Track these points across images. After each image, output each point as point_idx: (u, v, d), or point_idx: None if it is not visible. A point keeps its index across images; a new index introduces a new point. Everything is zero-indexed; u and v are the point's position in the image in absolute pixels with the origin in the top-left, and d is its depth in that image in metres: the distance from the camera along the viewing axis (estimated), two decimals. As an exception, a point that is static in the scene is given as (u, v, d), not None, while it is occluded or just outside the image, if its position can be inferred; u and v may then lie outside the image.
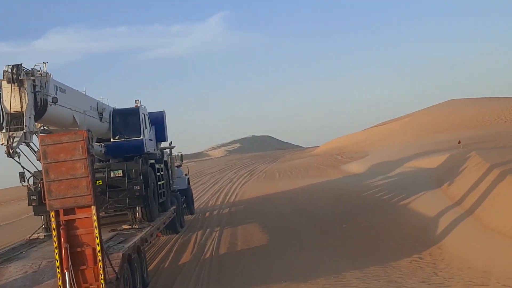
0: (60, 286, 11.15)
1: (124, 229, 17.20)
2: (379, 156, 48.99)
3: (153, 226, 17.80)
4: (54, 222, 11.19)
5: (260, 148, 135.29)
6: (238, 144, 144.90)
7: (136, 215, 18.21)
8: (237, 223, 25.21)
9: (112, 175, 17.71)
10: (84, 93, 16.92)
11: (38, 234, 17.49)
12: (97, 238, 11.23)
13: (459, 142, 36.50)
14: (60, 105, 14.25)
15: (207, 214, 29.57)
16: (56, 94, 13.98)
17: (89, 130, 11.54)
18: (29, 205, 17.49)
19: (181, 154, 27.96)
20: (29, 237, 17.40)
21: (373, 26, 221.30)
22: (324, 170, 50.30)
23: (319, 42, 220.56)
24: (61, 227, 11.19)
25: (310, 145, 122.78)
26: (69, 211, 11.26)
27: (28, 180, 15.74)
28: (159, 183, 20.52)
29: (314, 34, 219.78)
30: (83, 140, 11.13)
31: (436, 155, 34.63)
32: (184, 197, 26.93)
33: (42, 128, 15.72)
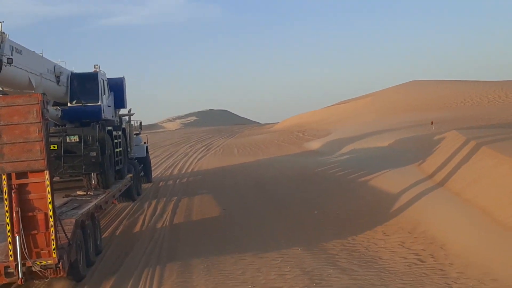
0: (10, 250, 11.00)
1: (79, 195, 17.04)
2: (342, 134, 48.37)
3: (108, 194, 17.67)
4: (5, 185, 10.99)
5: (217, 122, 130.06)
6: (194, 117, 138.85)
7: (92, 182, 18.05)
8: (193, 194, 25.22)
9: (68, 140, 17.47)
10: (41, 55, 16.52)
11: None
12: (49, 203, 11.10)
13: (432, 122, 35.79)
14: (15, 66, 13.89)
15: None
16: (11, 55, 13.62)
17: (44, 94, 11.32)
18: None
19: (140, 122, 27.69)
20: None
21: (335, 1, 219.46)
22: (285, 147, 49.25)
23: (278, 17, 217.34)
24: (13, 190, 11.00)
25: (267, 122, 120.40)
26: (21, 175, 11.07)
27: None
28: (116, 150, 20.32)
29: (273, 8, 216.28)
30: (38, 103, 10.91)
31: (405, 134, 34.70)
32: (142, 165, 26.74)
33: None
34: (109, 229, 19.27)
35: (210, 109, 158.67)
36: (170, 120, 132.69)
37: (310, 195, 22.43)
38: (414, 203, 18.78)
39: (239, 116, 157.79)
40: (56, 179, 20.96)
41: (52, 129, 18.36)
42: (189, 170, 35.65)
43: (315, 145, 46.71)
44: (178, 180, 30.48)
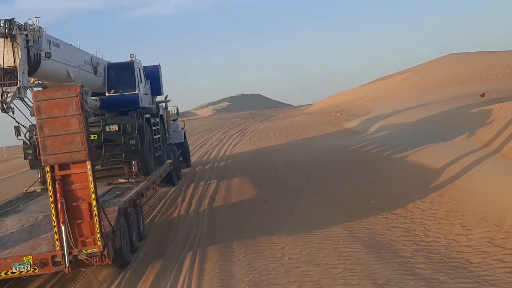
0: (56, 240, 11.32)
1: (121, 183, 17.33)
2: (385, 112, 46.03)
3: (149, 180, 17.94)
4: (49, 177, 11.29)
5: (250, 106, 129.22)
6: (227, 103, 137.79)
7: (132, 169, 18.35)
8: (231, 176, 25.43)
9: (107, 129, 17.77)
10: (78, 47, 16.81)
11: (35, 188, 17.65)
12: (92, 192, 11.35)
13: (483, 94, 32.52)
14: (53, 59, 14.19)
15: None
16: (49, 49, 13.91)
17: (82, 86, 11.56)
18: (25, 158, 17.61)
19: (177, 108, 27.98)
20: (26, 190, 17.57)
21: None
22: (325, 128, 47.09)
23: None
24: (57, 182, 11.28)
25: (301, 104, 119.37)
26: (64, 166, 11.33)
27: (25, 134, 15.81)
28: (155, 137, 20.60)
29: None
30: (77, 96, 11.13)
31: (456, 109, 32.73)
32: (180, 150, 27.07)
33: (36, 82, 15.70)
34: (152, 214, 19.67)
35: (242, 94, 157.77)
36: (203, 107, 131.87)
37: (359, 180, 21.06)
38: (494, 188, 15.90)
39: (272, 100, 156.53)
40: (97, 167, 21.39)
41: (91, 119, 18.69)
42: (226, 154, 35.57)
43: (356, 125, 44.83)
44: (216, 164, 30.61)
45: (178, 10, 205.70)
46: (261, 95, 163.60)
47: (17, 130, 16.68)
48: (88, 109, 18.75)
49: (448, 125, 29.26)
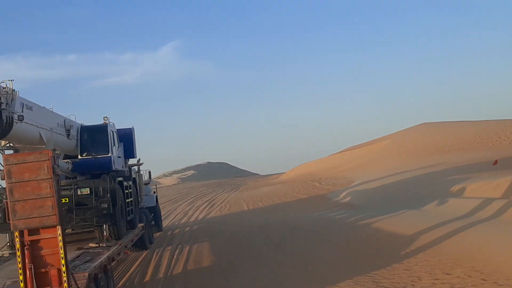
0: (23, 308, 10.97)
1: (91, 247, 17.03)
2: (372, 181, 43.00)
3: (120, 245, 17.65)
4: (18, 242, 11.04)
5: (216, 175, 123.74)
6: (192, 171, 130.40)
7: (104, 233, 18.06)
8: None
9: (79, 192, 17.54)
10: (51, 110, 16.77)
11: (3, 252, 17.21)
12: (62, 258, 11.11)
13: (496, 162, 29.26)
14: (26, 122, 14.09)
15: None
16: (22, 112, 13.83)
17: (54, 150, 11.44)
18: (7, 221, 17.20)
19: (149, 172, 27.88)
20: (-6, 256, 17.11)
21: (320, 55, 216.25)
22: (307, 200, 42.30)
23: (268, 70, 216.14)
24: (26, 247, 11.05)
25: (268, 173, 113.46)
26: (34, 231, 11.13)
27: None
28: (127, 200, 20.38)
29: (263, 60, 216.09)
30: (49, 159, 11.03)
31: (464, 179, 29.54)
32: (152, 214, 26.84)
33: (7, 145, 15.51)
34: (123, 279, 19.23)
35: (208, 162, 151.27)
36: (166, 175, 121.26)
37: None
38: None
39: (239, 168, 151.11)
40: (68, 231, 21.08)
41: (63, 182, 18.44)
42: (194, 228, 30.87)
43: (344, 197, 39.70)
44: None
45: (144, 80, 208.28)
46: (227, 163, 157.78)
47: None
48: (60, 173, 18.78)
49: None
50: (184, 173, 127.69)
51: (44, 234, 11.14)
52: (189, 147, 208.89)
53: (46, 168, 11.01)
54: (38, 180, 11.00)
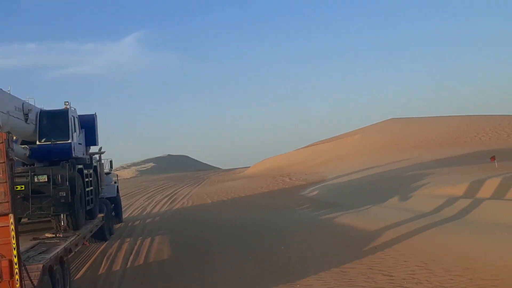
0: (-30, 301, 10.21)
1: (47, 238, 16.26)
2: (345, 176, 41.96)
3: (78, 235, 16.93)
4: (-34, 230, 10.25)
5: (177, 168, 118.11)
6: (152, 164, 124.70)
7: (61, 223, 17.31)
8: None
9: (36, 180, 16.74)
10: (8, 92, 15.87)
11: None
12: (14, 249, 10.35)
13: (493, 158, 27.76)
14: None
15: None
16: None
17: (9, 132, 10.64)
18: None
19: (111, 161, 27.02)
20: None
21: (287, 46, 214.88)
22: (276, 195, 39.90)
23: (233, 62, 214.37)
24: (-26, 236, 10.27)
25: (230, 167, 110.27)
26: (-17, 219, 10.34)
27: None
28: (87, 189, 19.61)
29: (229, 52, 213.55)
30: (2, 142, 10.24)
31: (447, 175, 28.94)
32: (113, 204, 26.08)
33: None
34: (80, 271, 18.47)
35: (168, 155, 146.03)
36: (124, 168, 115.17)
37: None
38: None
39: (200, 162, 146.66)
40: (23, 220, 20.20)
41: (19, 169, 17.64)
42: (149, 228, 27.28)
43: (317, 193, 37.70)
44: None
45: (106, 71, 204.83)
46: (188, 156, 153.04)
47: None
48: (16, 158, 17.84)
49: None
50: (143, 166, 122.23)
51: (-5, 223, 10.37)
52: (149, 139, 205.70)
53: (-2, 151, 10.24)
54: (-11, 164, 10.21)
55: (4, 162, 10.24)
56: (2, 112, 14.75)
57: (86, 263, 19.79)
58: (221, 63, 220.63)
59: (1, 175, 10.20)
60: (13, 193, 10.53)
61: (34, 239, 15.98)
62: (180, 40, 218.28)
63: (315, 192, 38.73)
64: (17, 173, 17.19)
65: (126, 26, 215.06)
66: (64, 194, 16.67)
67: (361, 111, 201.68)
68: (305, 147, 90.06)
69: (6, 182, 10.24)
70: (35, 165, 18.16)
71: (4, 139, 10.26)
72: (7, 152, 10.26)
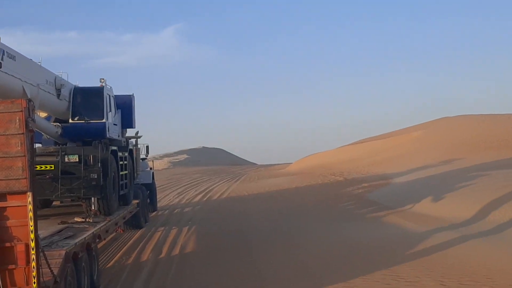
0: (-19, 289, 9.05)
1: (76, 222, 15.16)
2: (425, 179, 34.15)
3: (109, 221, 15.79)
4: (-21, 209, 9.09)
5: (211, 162, 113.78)
6: (185, 155, 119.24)
7: (91, 207, 16.20)
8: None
9: (66, 159, 15.68)
10: (39, 64, 14.78)
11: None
12: (31, 232, 9.14)
13: None
14: (6, 72, 12.15)
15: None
16: (2, 60, 11.88)
17: (30, 100, 9.43)
18: None
19: (147, 146, 25.87)
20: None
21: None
22: (343, 201, 31.56)
23: (272, 56, 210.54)
24: (-12, 216, 9.10)
25: (267, 163, 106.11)
26: (-1, 196, 9.16)
27: None
28: (121, 173, 18.48)
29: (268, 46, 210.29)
30: (21, 111, 9.02)
31: None
32: (148, 191, 25.01)
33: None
34: (113, 259, 17.38)
35: (203, 147, 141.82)
36: (157, 158, 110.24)
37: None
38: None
39: (236, 156, 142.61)
40: (55, 203, 19.29)
41: (51, 148, 16.71)
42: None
43: (400, 199, 28.88)
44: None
45: (142, 63, 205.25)
46: (224, 150, 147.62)
47: None
48: (47, 137, 16.86)
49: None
50: (176, 157, 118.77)
51: (11, 201, 9.16)
52: (184, 131, 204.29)
53: (17, 121, 9.02)
54: (6, 135, 9.00)
55: (23, 133, 9.02)
56: (31, 84, 13.68)
57: (120, 250, 18.71)
58: (258, 56, 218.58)
59: (18, 148, 8.99)
60: (33, 169, 9.32)
61: (62, 223, 14.90)
62: (217, 32, 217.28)
63: (390, 197, 30.93)
64: (48, 152, 16.25)
65: (165, 18, 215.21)
66: (96, 176, 15.58)
67: (410, 108, 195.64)
68: (350, 144, 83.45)
69: (24, 155, 9.02)
70: (68, 145, 17.12)
71: (24, 107, 9.04)
72: (26, 122, 9.04)
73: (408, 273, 13.95)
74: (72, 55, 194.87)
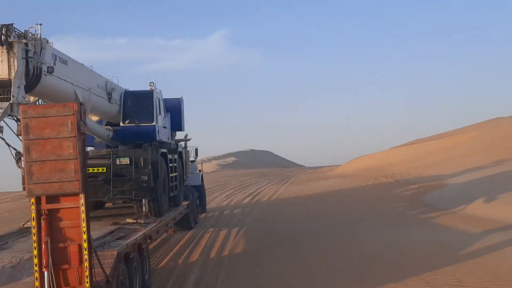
0: (37, 287, 9.30)
1: (128, 223, 15.42)
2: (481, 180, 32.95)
3: (160, 222, 15.98)
4: (34, 210, 9.35)
5: (259, 164, 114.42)
6: (233, 158, 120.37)
7: (143, 209, 16.44)
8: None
9: (118, 162, 15.96)
10: (91, 68, 15.10)
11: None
12: (84, 233, 9.36)
13: None
14: (58, 77, 12.45)
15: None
16: (54, 64, 12.17)
17: (81, 104, 9.65)
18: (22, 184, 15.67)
19: (196, 149, 26.11)
20: (23, 225, 15.58)
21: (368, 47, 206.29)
22: (395, 203, 30.78)
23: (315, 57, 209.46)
24: (43, 217, 9.35)
25: (313, 165, 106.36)
26: (52, 198, 9.40)
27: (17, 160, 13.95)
28: (171, 175, 18.69)
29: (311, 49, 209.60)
30: (73, 114, 9.25)
31: None
32: (197, 193, 25.23)
33: (37, 102, 13.90)
34: (164, 260, 17.61)
35: (251, 149, 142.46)
36: (205, 161, 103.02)
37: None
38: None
39: (284, 158, 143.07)
40: (108, 205, 19.68)
41: (103, 151, 17.03)
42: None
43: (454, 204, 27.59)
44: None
45: (192, 67, 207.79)
46: (271, 152, 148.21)
47: (19, 157, 14.79)
48: (100, 140, 17.21)
49: None
50: (224, 160, 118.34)
51: (64, 203, 9.41)
52: (232, 134, 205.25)
53: (69, 124, 9.25)
54: (59, 138, 9.25)
55: (75, 136, 9.25)
56: (83, 88, 13.98)
57: (171, 251, 18.94)
58: (304, 58, 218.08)
59: (71, 151, 9.22)
60: (85, 171, 9.54)
61: (114, 224, 15.18)
62: (263, 36, 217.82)
63: (442, 198, 30.55)
64: (100, 155, 16.58)
65: (213, 23, 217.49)
66: (146, 178, 15.80)
67: (463, 108, 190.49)
68: (401, 145, 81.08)
69: (77, 158, 9.24)
70: (119, 147, 17.44)
71: (76, 110, 9.27)
72: (78, 125, 9.26)
73: (454, 275, 13.67)
74: (123, 60, 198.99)
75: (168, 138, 19.62)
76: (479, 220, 22.47)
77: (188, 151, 23.91)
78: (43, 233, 9.29)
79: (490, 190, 28.09)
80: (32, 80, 11.41)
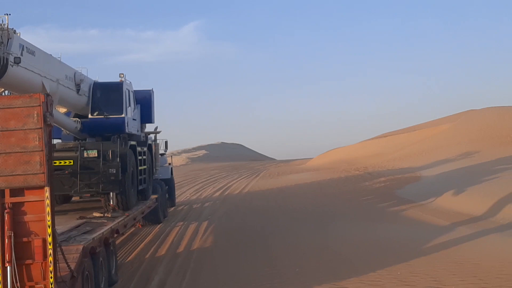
0: (-1, 283, 9.08)
1: (94, 217, 15.19)
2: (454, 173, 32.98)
3: (127, 216, 15.80)
4: (-3, 204, 9.11)
5: (230, 157, 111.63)
6: (204, 151, 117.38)
7: (110, 202, 16.20)
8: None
9: (85, 155, 15.67)
10: (59, 59, 14.79)
11: None
12: (48, 227, 9.15)
13: None
14: (25, 68, 12.17)
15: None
16: (21, 55, 11.89)
17: (48, 95, 9.42)
18: None
19: (166, 142, 25.89)
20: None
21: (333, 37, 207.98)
22: (368, 197, 30.60)
23: (290, 51, 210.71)
24: (6, 210, 9.12)
25: (285, 158, 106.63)
26: (17, 191, 9.16)
27: None
28: (140, 168, 18.47)
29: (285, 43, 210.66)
30: (39, 105, 9.02)
31: None
32: (167, 187, 25.01)
33: (3, 93, 13.59)
34: (134, 253, 17.40)
35: (222, 142, 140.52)
36: (175, 154, 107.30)
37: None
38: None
39: (255, 151, 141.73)
40: (74, 198, 19.37)
41: (70, 143, 16.73)
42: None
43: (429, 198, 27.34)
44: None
45: (164, 58, 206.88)
46: (242, 145, 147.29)
47: None
48: (67, 132, 16.91)
49: None
50: (195, 153, 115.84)
51: (28, 196, 9.19)
52: (203, 126, 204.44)
53: (35, 115, 9.02)
54: (25, 129, 9.01)
55: (41, 128, 9.02)
56: (50, 79, 13.69)
57: (139, 246, 18.71)
58: (276, 51, 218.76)
59: (36, 143, 8.99)
60: (51, 164, 9.33)
61: (81, 218, 14.93)
62: (236, 28, 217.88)
63: (413, 191, 30.74)
64: (67, 147, 16.29)
65: (185, 15, 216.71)
66: (114, 171, 15.56)
67: (435, 101, 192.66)
68: (374, 138, 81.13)
69: (42, 150, 9.02)
70: (87, 140, 17.17)
71: (42, 101, 9.04)
72: (44, 117, 9.04)
73: (425, 268, 13.75)
74: (93, 52, 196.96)
75: (137, 131, 19.40)
76: (447, 213, 22.72)
77: (158, 144, 23.66)
78: (6, 227, 9.05)
79: (459, 183, 28.47)
80: None
